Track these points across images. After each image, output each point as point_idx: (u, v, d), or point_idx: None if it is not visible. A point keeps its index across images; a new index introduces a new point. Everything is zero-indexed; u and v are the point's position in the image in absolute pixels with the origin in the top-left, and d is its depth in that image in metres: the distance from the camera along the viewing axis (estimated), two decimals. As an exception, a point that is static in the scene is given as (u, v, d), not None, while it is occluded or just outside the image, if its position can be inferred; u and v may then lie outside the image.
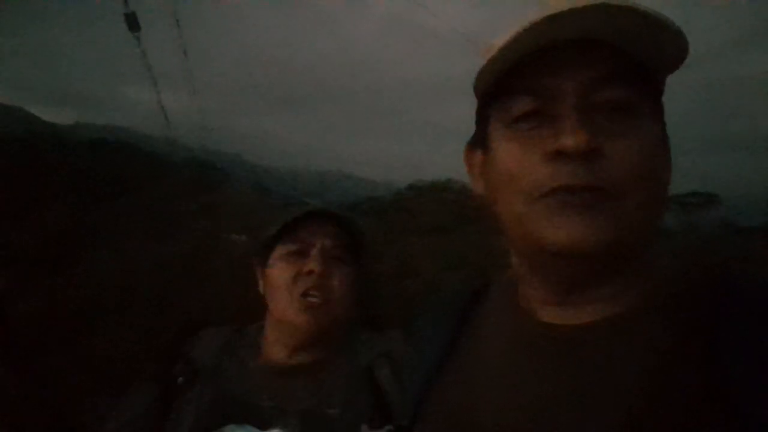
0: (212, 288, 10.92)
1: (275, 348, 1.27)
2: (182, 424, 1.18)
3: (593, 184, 0.62)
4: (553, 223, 0.63)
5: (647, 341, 0.62)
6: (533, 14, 0.62)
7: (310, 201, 1.40)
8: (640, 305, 0.65)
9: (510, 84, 0.67)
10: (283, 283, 1.24)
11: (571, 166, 0.62)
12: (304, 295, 1.22)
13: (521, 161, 0.66)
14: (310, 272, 1.23)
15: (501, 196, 0.69)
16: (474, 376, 0.74)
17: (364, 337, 1.34)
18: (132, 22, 8.09)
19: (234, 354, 1.29)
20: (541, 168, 0.64)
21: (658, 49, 0.63)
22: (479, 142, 0.75)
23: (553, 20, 0.60)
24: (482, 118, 0.74)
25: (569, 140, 0.61)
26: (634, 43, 0.62)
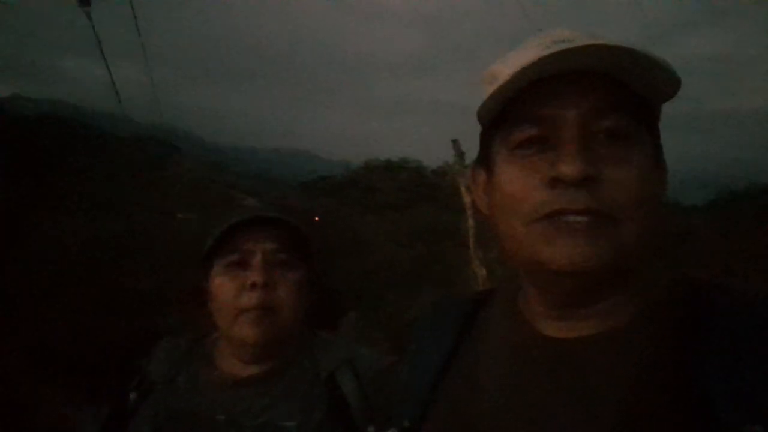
0: (160, 268, 10.65)
1: (228, 360, 1.22)
2: None
3: (592, 208, 0.64)
4: (552, 245, 0.65)
5: (639, 355, 0.66)
6: (535, 48, 0.66)
7: (248, 199, 1.29)
8: (633, 321, 0.69)
9: (513, 110, 0.69)
10: (226, 299, 1.17)
11: (570, 191, 0.65)
12: (249, 309, 1.15)
13: (522, 185, 0.68)
14: (254, 285, 1.15)
15: (502, 217, 0.72)
16: (477, 384, 0.77)
17: (323, 340, 1.27)
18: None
19: (189, 367, 1.24)
20: (540, 192, 0.67)
21: (651, 82, 0.66)
22: (483, 162, 0.78)
23: (555, 56, 0.63)
24: (485, 140, 0.76)
25: (567, 168, 0.64)
26: (630, 76, 0.66)
